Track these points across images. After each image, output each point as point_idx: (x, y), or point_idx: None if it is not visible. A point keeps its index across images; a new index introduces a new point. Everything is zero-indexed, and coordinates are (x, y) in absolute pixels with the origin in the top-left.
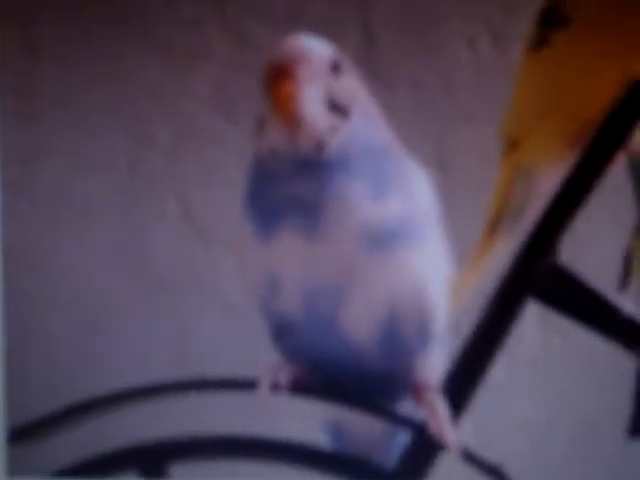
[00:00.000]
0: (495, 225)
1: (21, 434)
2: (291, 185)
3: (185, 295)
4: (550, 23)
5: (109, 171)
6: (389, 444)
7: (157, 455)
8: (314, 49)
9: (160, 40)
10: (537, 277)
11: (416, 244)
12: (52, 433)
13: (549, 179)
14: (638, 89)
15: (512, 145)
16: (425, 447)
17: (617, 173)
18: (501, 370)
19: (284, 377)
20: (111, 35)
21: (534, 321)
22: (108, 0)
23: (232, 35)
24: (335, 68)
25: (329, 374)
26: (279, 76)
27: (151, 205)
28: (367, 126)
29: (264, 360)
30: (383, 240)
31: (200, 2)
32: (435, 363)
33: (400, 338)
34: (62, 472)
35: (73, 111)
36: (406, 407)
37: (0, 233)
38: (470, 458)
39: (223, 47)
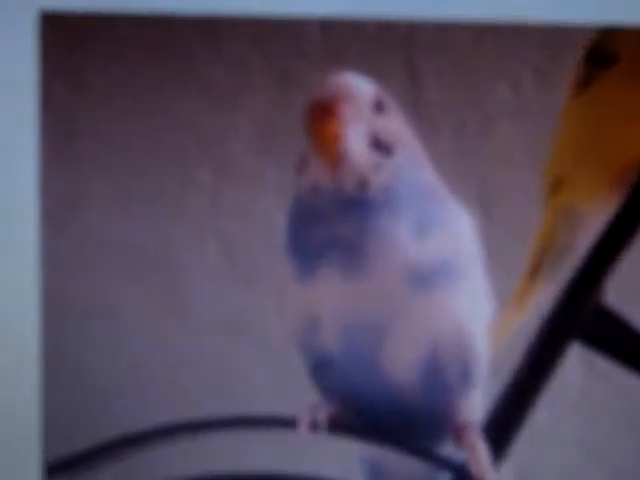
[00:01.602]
0: (538, 266)
1: (57, 469)
2: (333, 223)
3: (225, 334)
4: (596, 63)
5: (150, 212)
6: None
7: None
8: (358, 87)
9: (203, 79)
10: (582, 319)
11: (458, 284)
12: (91, 468)
13: (592, 220)
14: None
15: (556, 186)
16: None
17: None
18: (543, 413)
19: (323, 416)
20: (154, 74)
21: (578, 363)
22: (151, 40)
23: (275, 73)
24: (379, 107)
25: (368, 413)
26: (323, 114)
27: (192, 244)
28: (410, 165)
29: (303, 399)
30: (425, 279)
31: (243, 41)
32: (476, 404)
33: (441, 378)
34: None
35: (115, 151)
36: (447, 448)
37: (41, 276)
38: None
39: (265, 85)
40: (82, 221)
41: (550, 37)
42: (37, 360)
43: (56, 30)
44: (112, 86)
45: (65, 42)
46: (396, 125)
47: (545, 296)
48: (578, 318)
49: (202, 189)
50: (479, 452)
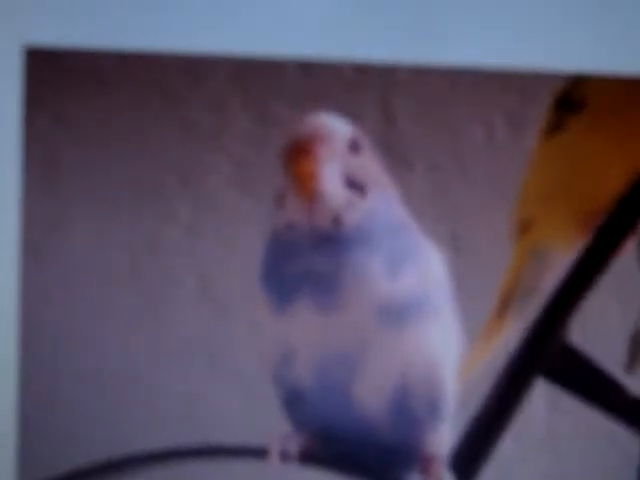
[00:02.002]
0: (506, 304)
1: None
2: (308, 259)
3: (200, 365)
4: (565, 108)
5: (129, 245)
6: None
7: None
8: (334, 128)
9: (183, 116)
10: (547, 356)
11: (429, 320)
12: None
13: (560, 260)
14: None
15: (525, 227)
16: None
17: (626, 257)
18: (509, 446)
19: (294, 446)
20: (135, 112)
21: (542, 399)
22: (133, 77)
23: (254, 112)
24: (354, 147)
25: (339, 444)
26: (299, 153)
27: (171, 279)
28: (384, 204)
29: (275, 430)
30: (397, 315)
31: (223, 79)
32: (444, 437)
33: (410, 410)
34: None
35: (96, 185)
36: (415, 479)
37: (20, 303)
38: None
39: (244, 124)
40: (62, 250)
41: (523, 83)
42: (14, 387)
43: (41, 65)
44: (94, 121)
45: (49, 77)
46: (370, 165)
47: (513, 333)
48: (543, 356)
49: (181, 223)
50: None
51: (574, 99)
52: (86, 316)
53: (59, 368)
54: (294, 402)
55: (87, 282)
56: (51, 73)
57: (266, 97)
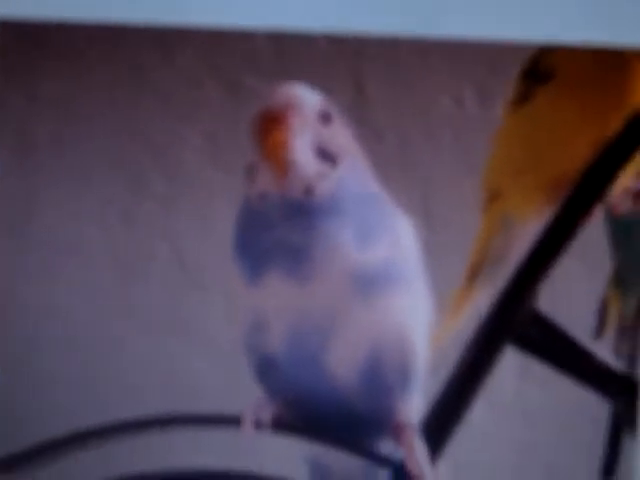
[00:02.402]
0: (475, 272)
1: (7, 465)
2: (279, 230)
3: (175, 336)
4: (533, 79)
5: (103, 218)
6: None
7: None
8: (305, 98)
9: (156, 91)
10: (515, 324)
11: (399, 289)
12: (39, 465)
13: (528, 229)
14: (613, 146)
15: (493, 197)
16: None
17: (594, 226)
18: (479, 413)
19: (267, 414)
20: (108, 86)
21: (512, 366)
22: (106, 52)
23: (226, 86)
24: (325, 117)
25: (311, 413)
26: (271, 123)
27: (143, 250)
28: (355, 174)
29: (248, 398)
30: (368, 284)
31: (194, 52)
32: (415, 404)
33: (382, 379)
34: None
35: (69, 159)
36: (386, 447)
37: None
38: None
39: (217, 98)
40: (37, 224)
41: (491, 55)
42: None
43: (10, 39)
44: (67, 96)
45: (19, 51)
46: (341, 135)
47: (483, 301)
48: (512, 323)
49: (154, 195)
50: (417, 450)
51: (542, 70)
52: (61, 287)
53: (33, 338)
54: (267, 371)
55: (61, 255)
56: (23, 47)
57: (237, 69)
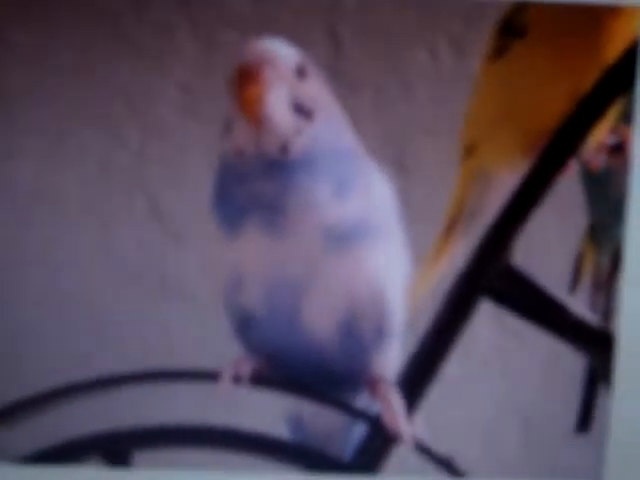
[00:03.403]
0: (451, 226)
1: None
2: (256, 184)
3: (153, 290)
4: (508, 33)
5: (79, 170)
6: (346, 436)
7: (121, 443)
8: (280, 53)
9: (130, 43)
10: (491, 277)
11: (375, 243)
12: (19, 421)
13: (504, 184)
14: (588, 101)
15: (469, 150)
16: (380, 439)
17: (569, 180)
18: (455, 366)
19: (245, 369)
20: (81, 38)
21: (487, 320)
22: (80, 4)
23: (201, 39)
24: (300, 72)
25: (289, 367)
26: (246, 79)
27: (120, 203)
28: (331, 129)
29: (227, 353)
30: (343, 238)
31: (169, 6)
32: (391, 358)
33: (358, 333)
34: (28, 458)
35: (43, 112)
36: (363, 401)
37: None
38: (423, 450)
39: (192, 50)
40: (12, 178)
41: (467, 9)
42: None
43: None
44: (40, 48)
45: None
46: (317, 90)
47: (459, 254)
48: (488, 277)
49: (130, 148)
50: (393, 404)
51: (517, 24)
52: (38, 241)
53: (10, 291)
54: (245, 326)
55: (38, 208)
56: None
57: (213, 23)
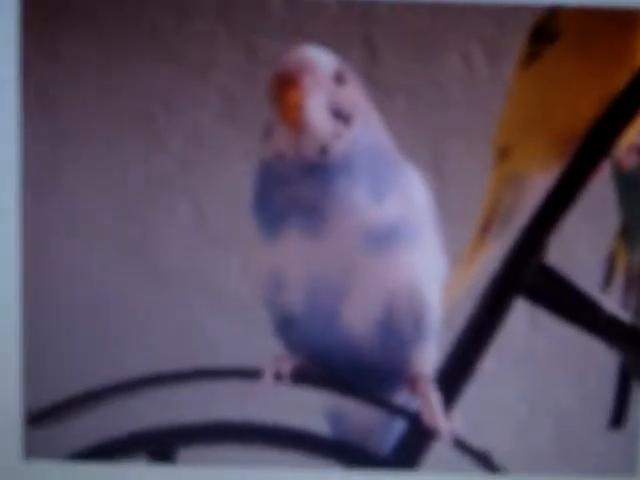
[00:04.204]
0: (486, 228)
1: (38, 419)
2: (296, 188)
3: (196, 293)
4: (541, 38)
5: (123, 178)
6: (385, 432)
7: (166, 440)
8: (319, 60)
9: (172, 52)
10: (525, 277)
11: (412, 244)
12: (67, 419)
13: (537, 186)
14: (619, 104)
15: (503, 154)
16: (419, 435)
17: (601, 181)
18: (491, 363)
19: (286, 368)
20: (126, 47)
21: (522, 318)
22: (123, 14)
23: (240, 47)
24: (338, 78)
25: (329, 366)
26: (286, 85)
27: (164, 209)
28: (368, 132)
29: (268, 352)
30: (381, 240)
31: (210, 16)
32: (429, 356)
33: (396, 332)
34: (76, 455)
35: (88, 119)
36: (402, 398)
37: (20, 235)
38: (460, 446)
39: (231, 58)
40: (60, 185)
41: (500, 15)
42: (19, 315)
43: (33, 5)
44: (86, 57)
45: (42, 18)
46: (355, 95)
47: (494, 255)
48: (523, 276)
49: (172, 156)
50: (431, 400)
51: (549, 29)
52: (84, 247)
53: (59, 296)
54: (286, 326)
55: (84, 214)
56: (46, 14)
57: (252, 31)
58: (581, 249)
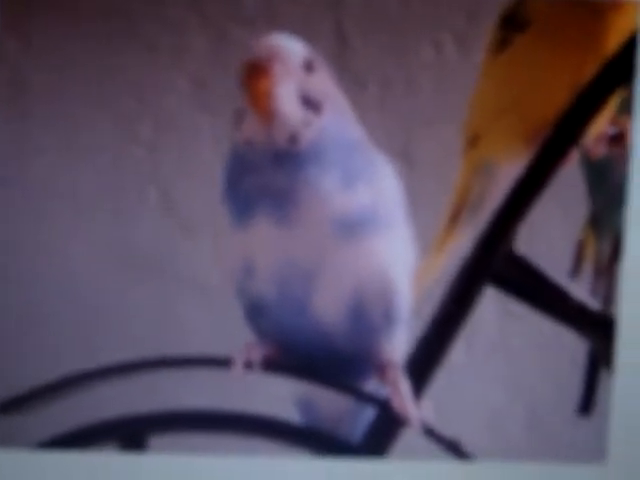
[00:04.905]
0: (456, 215)
1: (7, 407)
2: (266, 175)
3: (166, 280)
4: (511, 27)
5: (93, 165)
6: (355, 420)
7: (137, 428)
8: (289, 48)
9: (143, 38)
10: (495, 265)
11: (382, 232)
12: (37, 407)
13: (506, 173)
14: (588, 93)
15: (473, 141)
16: (388, 422)
17: (570, 169)
18: (460, 351)
19: (257, 355)
20: (96, 33)
21: (492, 306)
22: (97, 2)
23: (211, 34)
24: (308, 66)
25: (299, 353)
26: (256, 73)
27: (134, 195)
28: (338, 121)
29: (239, 340)
30: (351, 228)
31: (182, 3)
32: (399, 344)
33: (366, 320)
34: (46, 443)
35: (59, 107)
36: (371, 385)
37: None
38: (430, 434)
39: (203, 45)
40: (30, 170)
41: (470, 3)
42: None
43: None
44: (57, 44)
45: (13, 3)
46: (325, 84)
47: (463, 243)
48: (492, 264)
49: (142, 141)
50: (401, 388)
51: (519, 18)
52: (53, 234)
53: (26, 283)
54: (256, 313)
55: (54, 201)
56: (16, 1)
57: (223, 19)
58: (550, 237)
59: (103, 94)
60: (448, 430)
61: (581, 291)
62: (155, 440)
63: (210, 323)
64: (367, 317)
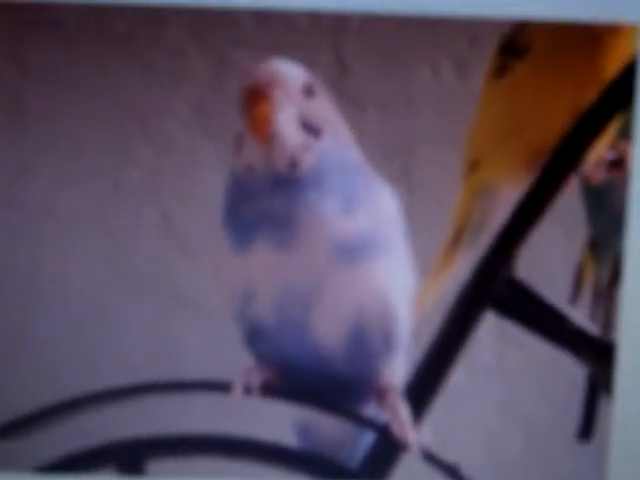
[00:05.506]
0: (456, 240)
1: (4, 431)
2: (266, 200)
3: (165, 303)
4: (510, 52)
5: (93, 187)
6: (354, 444)
7: (135, 452)
8: (288, 73)
9: (143, 63)
10: (494, 289)
11: (382, 256)
12: (35, 430)
13: (507, 198)
14: (588, 118)
15: (473, 166)
16: (388, 447)
17: (570, 194)
18: (460, 376)
19: (256, 380)
20: (96, 57)
21: (491, 330)
22: (95, 26)
23: (211, 59)
24: (308, 91)
25: (298, 378)
26: (256, 98)
27: (133, 219)
28: (338, 145)
29: (238, 364)
30: (351, 252)
31: (182, 28)
32: (398, 368)
33: (366, 344)
34: (44, 468)
35: (59, 129)
36: (371, 410)
37: None
38: (429, 458)
39: (203, 70)
40: (29, 194)
41: (469, 29)
42: None
43: (3, 16)
44: (56, 67)
45: (11, 26)
46: (324, 108)
47: (463, 267)
48: (492, 289)
49: (142, 165)
50: (400, 413)
51: (518, 43)
52: (52, 256)
53: (26, 305)
54: (255, 337)
55: (53, 224)
56: (15, 23)
57: (223, 44)
58: (550, 262)
59: (103, 117)
60: (446, 454)
61: (580, 316)
62: (153, 464)
63: (209, 347)
64: (366, 342)
